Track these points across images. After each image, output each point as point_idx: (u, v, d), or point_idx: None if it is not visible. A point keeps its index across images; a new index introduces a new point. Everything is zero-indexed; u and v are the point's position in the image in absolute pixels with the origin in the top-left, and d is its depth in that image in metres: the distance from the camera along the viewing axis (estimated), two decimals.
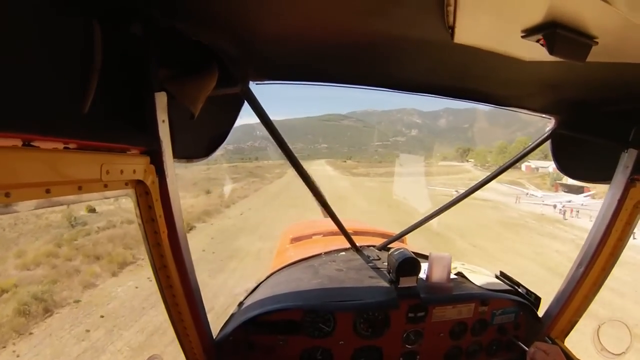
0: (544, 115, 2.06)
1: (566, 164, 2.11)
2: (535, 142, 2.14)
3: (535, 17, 0.91)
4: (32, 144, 0.78)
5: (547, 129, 2.08)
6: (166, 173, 1.28)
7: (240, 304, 2.15)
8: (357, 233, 3.42)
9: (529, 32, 0.98)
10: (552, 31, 0.93)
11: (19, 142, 0.75)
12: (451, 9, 0.94)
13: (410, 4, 1.01)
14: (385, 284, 2.05)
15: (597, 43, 0.97)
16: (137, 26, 1.08)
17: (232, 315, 2.00)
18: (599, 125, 1.81)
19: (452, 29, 1.05)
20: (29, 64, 0.80)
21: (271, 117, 1.77)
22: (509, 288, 2.19)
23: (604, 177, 1.83)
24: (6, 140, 0.71)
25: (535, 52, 1.02)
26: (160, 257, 1.36)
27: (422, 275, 2.11)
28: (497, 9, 0.92)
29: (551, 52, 0.95)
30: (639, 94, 1.52)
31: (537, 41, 0.98)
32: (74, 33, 0.93)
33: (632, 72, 1.22)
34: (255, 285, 2.39)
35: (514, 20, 0.96)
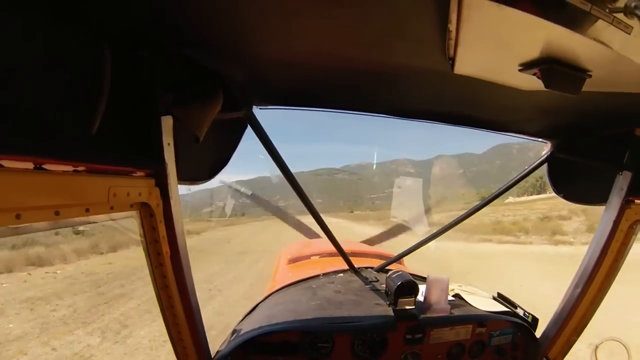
0: (540, 140, 2.11)
1: (562, 186, 2.16)
2: (532, 166, 2.18)
3: (532, 53, 0.96)
4: (43, 167, 0.79)
5: (544, 152, 2.12)
6: (170, 195, 1.30)
7: (239, 324, 2.13)
8: (355, 254, 3.41)
9: (526, 66, 1.02)
10: (548, 66, 0.98)
11: (30, 165, 0.76)
12: (452, 42, 0.98)
13: (413, 37, 1.05)
14: (384, 306, 2.06)
15: (590, 76, 1.01)
16: (145, 51, 1.12)
17: (230, 336, 1.98)
18: (594, 149, 1.84)
19: (452, 60, 1.09)
20: (41, 88, 0.82)
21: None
22: (507, 309, 2.19)
23: (599, 199, 1.87)
24: (18, 163, 0.73)
25: (531, 82, 1.06)
26: (162, 278, 1.37)
27: (420, 297, 2.12)
28: (496, 43, 0.96)
29: (547, 85, 1.00)
30: (631, 119, 1.59)
31: (534, 74, 1.02)
32: (85, 57, 0.96)
33: (624, 99, 1.26)
34: (253, 305, 2.36)
35: (511, 55, 1.00)
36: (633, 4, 0.71)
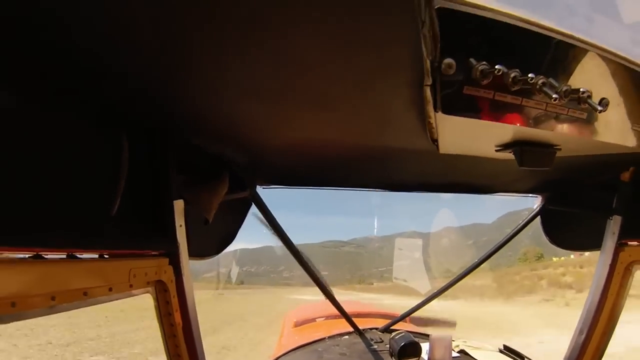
0: (530, 195, 2.22)
1: (557, 237, 2.22)
2: (525, 220, 2.27)
3: (504, 138, 1.09)
4: (74, 255, 0.90)
5: (535, 206, 2.22)
6: (182, 272, 1.38)
7: None
8: (359, 315, 3.39)
9: (501, 148, 1.17)
10: (520, 148, 1.12)
11: (64, 255, 0.86)
12: (434, 130, 1.10)
13: (400, 126, 1.19)
14: None
15: (560, 149, 1.15)
16: (158, 141, 1.25)
17: None
18: (583, 197, 1.93)
19: (436, 142, 1.20)
20: (65, 179, 0.91)
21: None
22: None
23: (593, 245, 1.90)
24: (53, 254, 0.83)
25: (512, 155, 1.19)
26: (175, 347, 1.42)
27: (425, 355, 2.12)
28: (470, 130, 1.06)
29: (520, 164, 1.14)
30: (615, 166, 1.69)
31: (509, 153, 1.17)
32: (105, 147, 1.06)
33: (601, 156, 1.34)
34: None
35: (487, 140, 1.14)
36: (585, 95, 0.83)
